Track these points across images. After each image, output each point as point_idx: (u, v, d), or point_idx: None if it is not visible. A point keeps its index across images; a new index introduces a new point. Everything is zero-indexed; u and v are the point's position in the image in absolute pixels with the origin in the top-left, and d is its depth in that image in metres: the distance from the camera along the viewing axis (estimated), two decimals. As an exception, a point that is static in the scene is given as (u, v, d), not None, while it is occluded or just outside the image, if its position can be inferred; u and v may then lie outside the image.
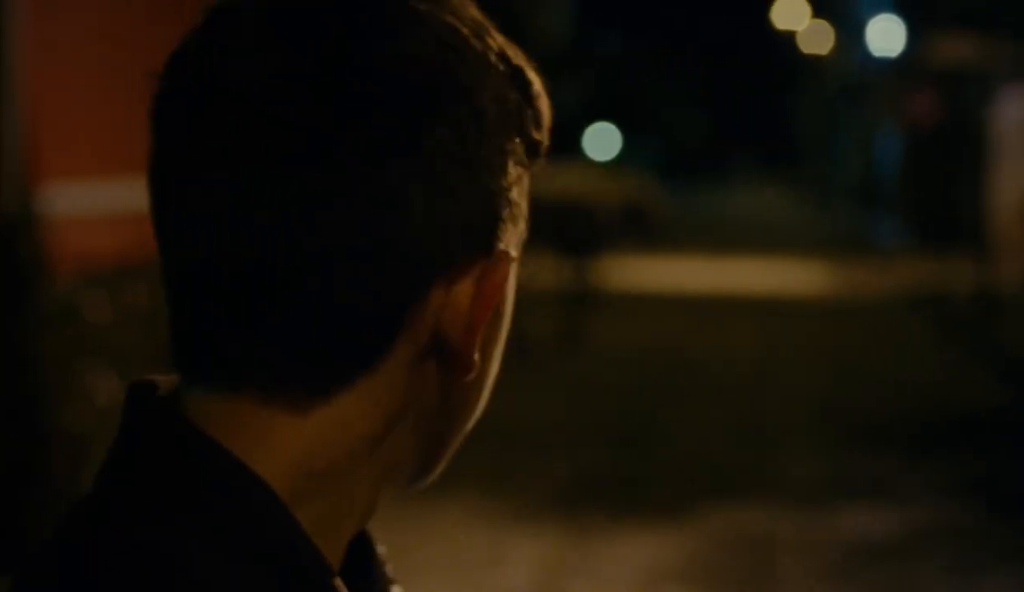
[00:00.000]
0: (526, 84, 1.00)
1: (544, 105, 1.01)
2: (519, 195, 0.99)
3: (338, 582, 0.94)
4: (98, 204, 9.90)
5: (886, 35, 42.10)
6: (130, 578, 0.89)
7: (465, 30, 0.97)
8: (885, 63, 44.32)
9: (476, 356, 0.96)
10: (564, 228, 17.38)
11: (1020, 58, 14.96)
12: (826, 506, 9.62)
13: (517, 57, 1.00)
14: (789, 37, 73.65)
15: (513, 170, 0.98)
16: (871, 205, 46.10)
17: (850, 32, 59.43)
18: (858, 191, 51.29)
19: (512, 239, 0.99)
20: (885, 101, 42.07)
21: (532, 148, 1.00)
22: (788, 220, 49.76)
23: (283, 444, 0.93)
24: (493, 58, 0.98)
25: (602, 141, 50.24)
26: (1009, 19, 15.20)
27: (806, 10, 63.50)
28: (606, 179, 18.89)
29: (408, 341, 0.94)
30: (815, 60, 74.09)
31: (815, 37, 68.60)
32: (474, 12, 1.00)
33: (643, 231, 18.83)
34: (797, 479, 10.43)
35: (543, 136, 1.01)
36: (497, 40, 0.99)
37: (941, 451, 11.39)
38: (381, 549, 1.05)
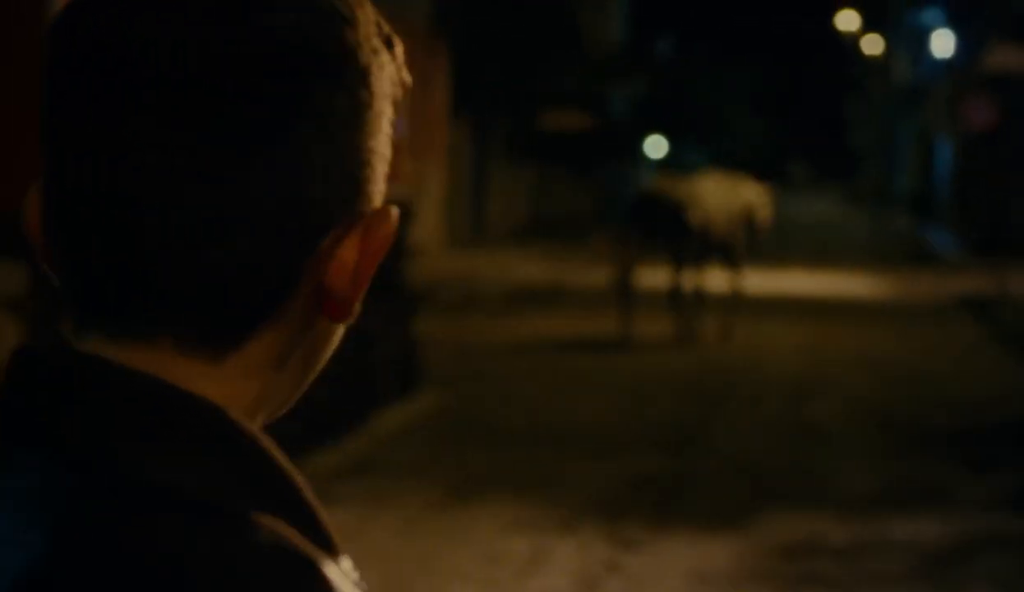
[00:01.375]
0: (394, 47, 1.05)
1: (404, 69, 1.06)
2: (385, 147, 1.03)
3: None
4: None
5: (944, 41, 41.90)
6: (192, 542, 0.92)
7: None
8: (941, 69, 44.11)
9: (356, 305, 1.02)
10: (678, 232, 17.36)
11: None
12: (876, 514, 9.54)
13: (384, 23, 1.04)
14: (850, 42, 73.41)
15: (386, 127, 1.03)
16: (927, 214, 45.85)
17: (907, 38, 59.21)
18: (915, 199, 51.00)
19: (381, 189, 1.04)
20: (941, 108, 41.82)
21: (397, 107, 1.05)
22: (843, 229, 49.50)
23: (205, 391, 0.98)
24: (371, 24, 1.02)
25: (659, 144, 50.13)
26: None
27: (861, 17, 63.36)
28: (735, 187, 18.48)
29: (301, 293, 1.00)
30: (873, 65, 73.79)
31: (875, 42, 68.37)
32: None
33: (754, 238, 18.77)
34: (848, 486, 10.36)
35: (402, 95, 1.06)
36: (368, 6, 1.03)
37: (994, 460, 11.30)
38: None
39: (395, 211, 1.03)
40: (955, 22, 41.53)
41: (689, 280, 17.66)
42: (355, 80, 0.99)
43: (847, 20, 66.90)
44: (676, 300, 17.73)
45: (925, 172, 49.24)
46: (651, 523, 9.16)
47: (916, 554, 8.67)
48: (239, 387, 1.00)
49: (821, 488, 10.28)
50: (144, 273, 0.96)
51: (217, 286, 0.97)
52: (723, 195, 17.99)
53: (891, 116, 68.00)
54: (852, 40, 72.39)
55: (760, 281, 26.14)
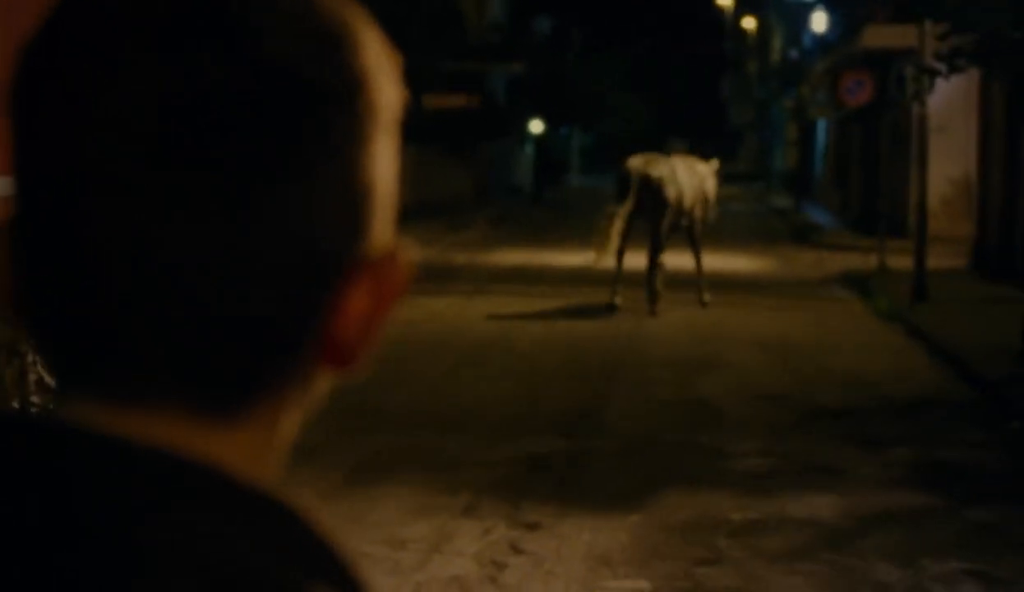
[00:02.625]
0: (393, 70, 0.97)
1: (401, 89, 0.97)
2: (390, 180, 0.95)
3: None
4: None
5: (821, 19, 42.37)
6: None
7: (344, 19, 0.93)
8: (818, 48, 44.60)
9: (364, 354, 0.95)
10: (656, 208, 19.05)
11: (958, 48, 15.06)
12: (772, 491, 9.67)
13: (385, 44, 0.96)
14: (729, 20, 73.94)
15: (390, 157, 0.95)
16: (806, 191, 46.35)
17: (785, 17, 59.74)
18: (793, 177, 51.54)
19: (389, 226, 0.96)
20: (818, 86, 42.28)
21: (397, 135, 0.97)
22: (722, 207, 49.86)
23: (220, 455, 0.90)
24: (373, 48, 0.94)
25: (539, 126, 50.24)
26: (938, 8, 15.30)
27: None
28: (695, 166, 20.20)
29: (311, 344, 0.92)
30: (751, 44, 74.43)
31: (752, 20, 68.93)
32: None
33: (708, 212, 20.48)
34: (743, 464, 10.48)
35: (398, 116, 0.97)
36: (369, 28, 0.95)
37: (885, 437, 11.47)
38: None
39: (408, 254, 0.95)
40: (831, 0, 41.99)
41: (661, 251, 19.22)
42: (357, 109, 0.91)
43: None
44: (653, 269, 19.11)
45: (803, 150, 49.79)
46: (551, 505, 9.21)
47: (813, 531, 8.79)
48: (253, 445, 0.92)
49: (717, 466, 10.39)
50: (139, 331, 0.88)
51: (227, 343, 0.89)
52: (689, 174, 19.71)
53: (768, 95, 68.63)
54: (731, 18, 72.96)
55: (640, 260, 26.31)
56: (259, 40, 0.88)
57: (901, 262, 23.66)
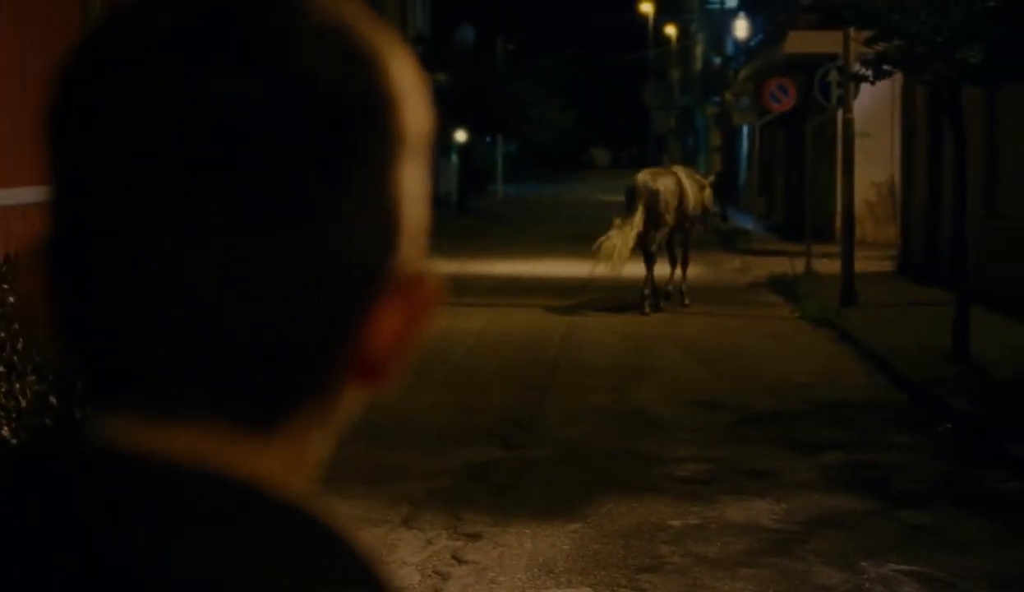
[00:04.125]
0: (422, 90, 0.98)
1: (430, 111, 0.99)
2: (419, 200, 0.97)
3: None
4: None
5: (743, 26, 42.59)
6: None
7: (376, 40, 0.95)
8: (742, 54, 44.82)
9: (395, 372, 0.97)
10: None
11: (884, 53, 15.18)
12: (711, 497, 9.74)
13: (414, 64, 0.98)
14: (653, 27, 74.09)
15: (420, 177, 0.97)
16: (731, 197, 46.55)
17: (708, 23, 59.96)
18: (717, 183, 51.71)
19: (419, 245, 0.98)
20: (741, 92, 42.50)
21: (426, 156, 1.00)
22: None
23: (259, 470, 0.93)
24: (404, 68, 0.96)
25: (463, 135, 50.21)
26: (861, 14, 15.43)
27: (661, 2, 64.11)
28: (692, 178, 21.83)
29: (345, 361, 0.94)
30: (674, 51, 74.66)
31: (674, 28, 69.08)
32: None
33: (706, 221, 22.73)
34: (681, 471, 10.54)
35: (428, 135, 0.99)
36: (400, 48, 0.97)
37: (819, 441, 11.57)
38: None
39: (436, 275, 0.97)
40: (754, 6, 42.22)
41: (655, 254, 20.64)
42: (388, 129, 0.93)
43: (648, 6, 67.64)
44: (650, 267, 20.47)
45: (727, 156, 50.03)
46: (491, 514, 9.24)
47: (752, 535, 8.86)
48: (286, 459, 0.94)
49: (654, 473, 10.45)
50: (176, 347, 0.90)
51: (261, 358, 0.90)
52: (691, 184, 21.29)
53: (691, 102, 68.90)
54: (654, 25, 73.17)
55: (570, 268, 26.37)
56: (293, 59, 0.90)
57: (828, 266, 23.85)
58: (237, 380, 0.91)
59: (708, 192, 22.01)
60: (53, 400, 7.93)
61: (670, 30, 75.00)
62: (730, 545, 8.66)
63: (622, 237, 20.06)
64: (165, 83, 0.89)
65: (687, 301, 21.01)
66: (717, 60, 53.10)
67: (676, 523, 9.11)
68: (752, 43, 43.40)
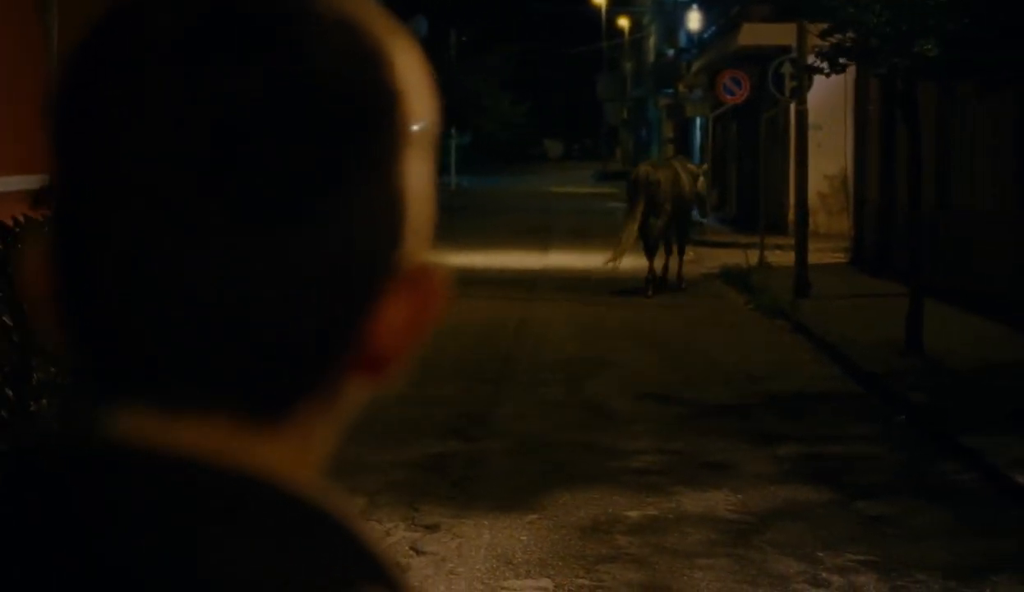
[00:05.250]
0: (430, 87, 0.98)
1: (437, 107, 0.99)
2: (425, 195, 0.97)
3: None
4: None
5: (696, 18, 42.69)
6: None
7: (378, 38, 0.94)
8: (695, 46, 44.93)
9: (400, 366, 0.97)
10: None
11: (839, 45, 15.25)
12: (668, 489, 9.76)
13: (422, 60, 0.98)
14: (606, 18, 74.20)
15: (426, 173, 0.97)
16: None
17: (661, 15, 60.08)
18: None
19: (424, 240, 0.98)
20: (694, 84, 42.61)
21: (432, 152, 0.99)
22: (600, 207, 50.12)
23: (267, 462, 0.92)
24: (411, 64, 0.96)
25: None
26: (817, 6, 15.50)
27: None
28: (688, 169, 23.05)
29: (351, 353, 0.94)
30: (626, 42, 74.79)
31: (627, 19, 69.21)
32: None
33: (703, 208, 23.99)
34: (637, 463, 10.56)
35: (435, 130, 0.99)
36: (408, 43, 0.97)
37: (773, 431, 11.62)
38: None
39: (443, 269, 0.97)
40: None
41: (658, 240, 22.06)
42: (395, 124, 0.92)
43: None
44: (652, 250, 21.85)
45: (680, 148, 50.15)
46: (449, 506, 9.24)
47: (710, 526, 8.89)
48: (293, 451, 0.93)
49: (611, 465, 10.46)
50: (184, 340, 0.89)
51: (269, 351, 0.90)
52: (687, 174, 22.53)
53: (644, 94, 69.05)
54: (607, 17, 73.26)
55: (523, 260, 26.41)
56: (295, 58, 0.89)
57: (781, 258, 23.96)
58: (240, 376, 0.90)
59: (702, 181, 23.17)
60: (10, 393, 7.88)
61: (623, 22, 75.12)
62: (688, 536, 8.68)
63: (626, 230, 21.60)
64: (166, 82, 0.88)
65: (684, 285, 22.30)
66: (670, 52, 53.20)
67: (634, 514, 9.13)
68: (705, 35, 43.51)
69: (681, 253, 22.67)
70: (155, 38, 0.90)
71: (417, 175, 0.95)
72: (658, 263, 22.07)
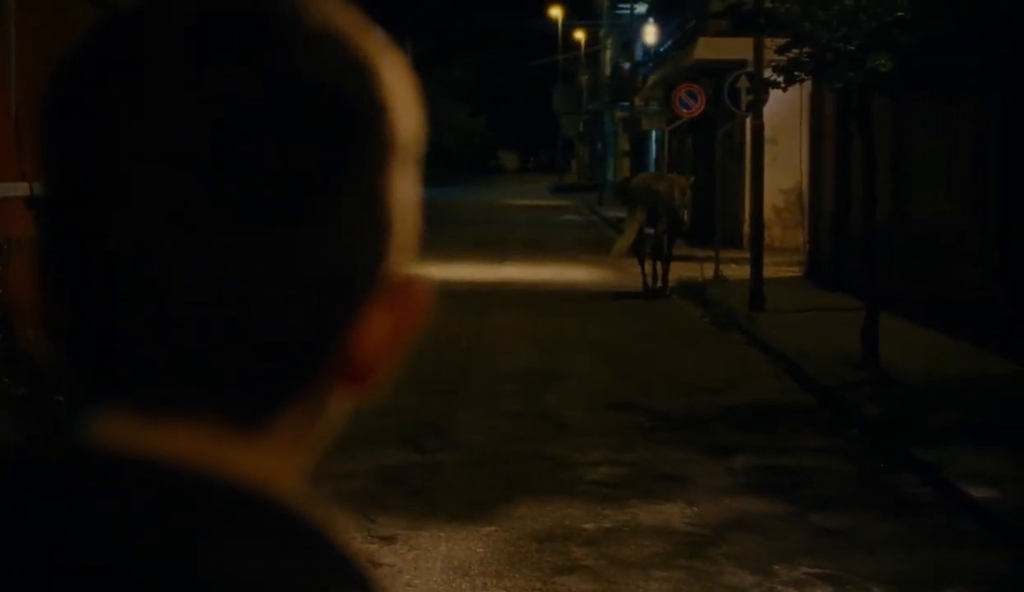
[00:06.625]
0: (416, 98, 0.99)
1: (422, 118, 0.99)
2: (410, 205, 0.98)
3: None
4: None
5: (653, 32, 42.79)
6: None
7: (367, 50, 0.95)
8: (651, 59, 45.02)
9: (382, 377, 0.98)
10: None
11: (796, 60, 15.32)
12: (623, 501, 9.77)
13: (408, 71, 0.99)
14: (563, 32, 74.29)
15: (411, 183, 0.97)
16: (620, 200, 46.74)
17: (617, 29, 60.21)
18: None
19: (408, 252, 0.98)
20: (650, 97, 42.72)
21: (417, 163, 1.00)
22: (555, 219, 50.22)
23: (248, 467, 0.93)
24: (398, 74, 0.97)
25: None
26: (773, 21, 15.57)
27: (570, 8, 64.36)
28: (679, 181, 24.13)
29: (334, 362, 0.94)
30: (583, 56, 74.92)
31: (583, 33, 69.32)
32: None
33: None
34: (593, 475, 10.57)
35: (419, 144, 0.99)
36: (394, 54, 0.98)
37: (728, 443, 11.65)
38: None
39: (427, 281, 0.98)
40: (664, 12, 42.43)
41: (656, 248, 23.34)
42: (382, 133, 0.93)
43: (558, 11, 67.86)
44: (642, 258, 23.35)
45: (636, 161, 50.26)
46: (405, 517, 9.23)
47: (665, 538, 8.90)
48: (274, 458, 0.94)
49: (567, 477, 10.47)
50: (170, 344, 0.90)
51: (255, 356, 0.90)
52: (678, 186, 23.56)
53: (600, 107, 69.19)
54: (563, 30, 73.35)
55: (479, 272, 26.41)
56: (293, 61, 0.90)
57: (737, 271, 24.03)
58: (229, 378, 0.91)
59: (689, 194, 24.04)
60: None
61: (579, 35, 75.26)
62: (644, 548, 8.69)
63: (629, 230, 23.04)
64: (165, 82, 0.89)
65: (668, 292, 23.31)
66: (626, 65, 53.32)
67: (590, 526, 9.14)
68: (662, 49, 43.64)
69: (668, 261, 23.51)
70: (155, 39, 0.91)
71: (403, 188, 0.96)
72: (648, 269, 23.26)
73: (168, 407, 0.91)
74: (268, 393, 0.92)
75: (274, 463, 0.94)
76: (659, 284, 23.34)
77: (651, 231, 23.21)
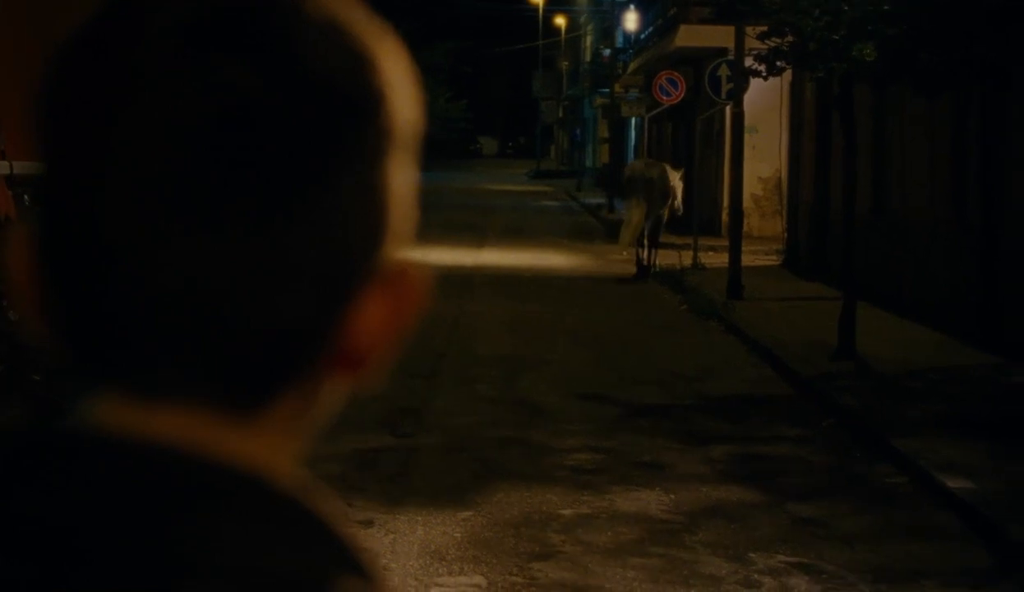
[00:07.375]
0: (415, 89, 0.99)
1: (420, 108, 0.99)
2: (406, 197, 0.97)
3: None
4: None
5: (633, 18, 42.78)
6: None
7: (366, 40, 0.95)
8: (632, 46, 45.03)
9: (378, 365, 0.97)
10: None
11: (777, 49, 15.32)
12: (600, 488, 9.78)
13: (407, 62, 0.99)
14: (543, 17, 74.24)
15: (407, 174, 0.98)
16: (619, 189, 46.76)
17: (598, 15, 60.18)
18: (605, 175, 51.99)
19: (404, 241, 0.99)
20: (630, 84, 42.70)
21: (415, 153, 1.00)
22: (534, 204, 50.23)
23: (244, 453, 0.92)
24: (396, 64, 0.97)
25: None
26: (756, 9, 15.56)
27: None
28: (673, 170, 24.54)
29: (329, 348, 0.94)
30: (562, 42, 74.88)
31: (564, 18, 69.26)
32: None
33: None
34: (570, 461, 10.58)
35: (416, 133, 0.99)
36: (393, 44, 0.98)
37: (706, 432, 11.66)
38: None
39: (423, 271, 0.98)
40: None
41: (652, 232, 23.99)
42: (381, 122, 0.93)
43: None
44: (639, 243, 23.98)
45: (615, 148, 50.25)
46: (382, 502, 9.23)
47: (642, 525, 8.91)
48: (269, 444, 0.94)
49: (544, 463, 10.48)
50: (168, 330, 0.90)
51: (252, 343, 0.91)
52: (671, 173, 24.07)
53: (579, 93, 69.18)
54: (543, 16, 73.30)
55: (457, 256, 26.40)
56: (292, 52, 0.90)
57: (715, 259, 24.06)
58: (224, 364, 0.91)
59: (680, 184, 24.48)
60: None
61: (560, 21, 75.22)
62: (621, 535, 8.70)
63: (636, 215, 23.65)
64: (165, 73, 0.89)
65: (652, 271, 24.07)
66: (607, 52, 53.26)
67: (567, 512, 9.14)
68: (642, 36, 43.63)
69: (655, 245, 24.11)
70: (153, 30, 0.91)
71: (400, 177, 0.96)
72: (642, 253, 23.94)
73: (163, 392, 0.91)
74: (264, 379, 0.92)
75: (269, 448, 0.94)
76: (649, 263, 24.04)
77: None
